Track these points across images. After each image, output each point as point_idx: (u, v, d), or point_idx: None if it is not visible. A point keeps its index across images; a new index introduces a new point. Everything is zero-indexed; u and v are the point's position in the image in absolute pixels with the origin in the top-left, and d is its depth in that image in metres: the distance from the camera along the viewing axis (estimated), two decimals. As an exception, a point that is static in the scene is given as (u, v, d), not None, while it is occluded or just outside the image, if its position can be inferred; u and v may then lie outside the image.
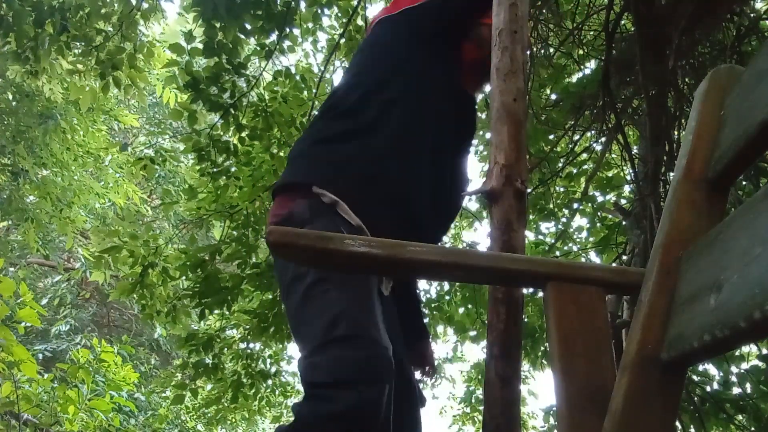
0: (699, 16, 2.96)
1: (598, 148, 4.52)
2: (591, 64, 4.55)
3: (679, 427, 3.16)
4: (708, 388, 3.59)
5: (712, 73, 0.89)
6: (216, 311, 4.44)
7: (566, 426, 0.81)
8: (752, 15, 3.42)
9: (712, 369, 3.70)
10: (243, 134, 4.19)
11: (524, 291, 1.23)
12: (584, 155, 4.65)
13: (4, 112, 8.10)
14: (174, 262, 4.36)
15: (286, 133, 4.24)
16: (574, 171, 4.62)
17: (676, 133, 3.35)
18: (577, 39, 4.00)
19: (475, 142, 5.88)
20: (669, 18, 3.06)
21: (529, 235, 4.75)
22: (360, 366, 1.07)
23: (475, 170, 6.29)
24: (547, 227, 4.94)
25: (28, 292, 3.74)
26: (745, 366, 3.59)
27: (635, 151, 4.00)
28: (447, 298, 5.16)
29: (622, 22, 3.65)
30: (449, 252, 0.97)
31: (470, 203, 5.77)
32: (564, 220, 4.73)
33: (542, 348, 4.69)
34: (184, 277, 4.48)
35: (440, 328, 5.84)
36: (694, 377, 3.62)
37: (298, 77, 4.35)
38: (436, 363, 1.61)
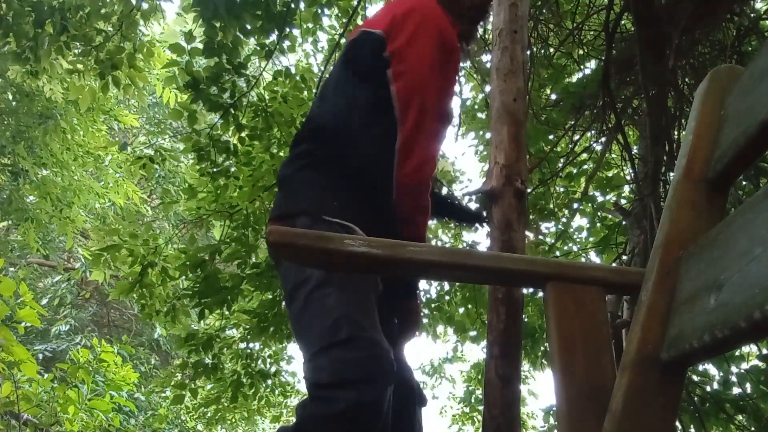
0: (699, 16, 2.97)
1: (598, 148, 4.52)
2: (591, 64, 4.55)
3: (679, 427, 3.16)
4: (708, 388, 3.59)
5: (712, 73, 0.89)
6: (216, 311, 4.44)
7: (566, 426, 0.81)
8: (752, 15, 3.42)
9: (712, 369, 3.70)
10: (243, 134, 4.19)
11: (524, 291, 1.23)
12: (584, 155, 4.65)
13: (4, 112, 8.10)
14: (174, 262, 4.36)
15: (286, 133, 4.24)
16: (574, 171, 4.62)
17: (676, 133, 3.35)
18: (577, 39, 4.00)
19: (475, 141, 5.90)
20: (669, 18, 3.06)
21: (529, 235, 4.75)
22: (361, 366, 1.08)
23: (475, 170, 6.30)
24: (547, 227, 4.94)
25: (28, 292, 3.73)
26: (745, 366, 3.59)
27: (635, 151, 4.00)
28: (447, 298, 5.17)
29: (622, 22, 3.65)
30: (449, 252, 0.97)
31: (470, 203, 5.77)
32: (564, 220, 4.73)
33: (542, 348, 4.69)
34: (183, 277, 4.47)
35: (440, 328, 5.84)
36: (694, 377, 3.62)
37: (298, 77, 4.35)
38: (422, 321, 1.62)
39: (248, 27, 3.94)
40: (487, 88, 4.90)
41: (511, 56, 1.32)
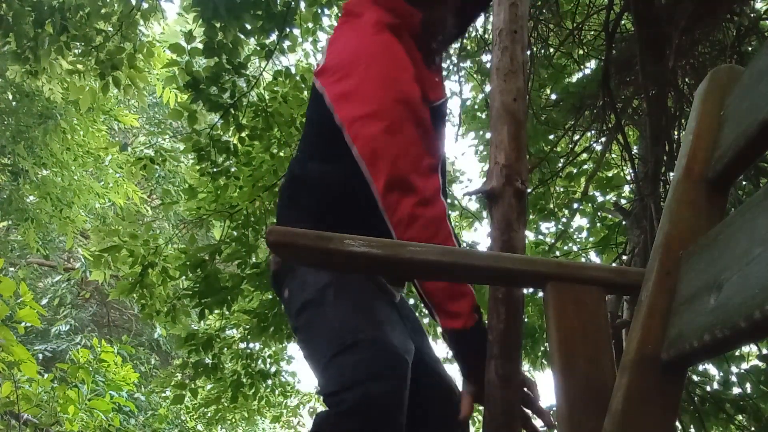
0: (699, 16, 2.97)
1: (598, 148, 4.52)
2: (591, 64, 4.56)
3: (679, 427, 3.16)
4: (708, 388, 3.59)
5: (712, 73, 0.89)
6: (216, 311, 4.44)
7: (566, 426, 0.81)
8: (752, 15, 3.41)
9: (712, 369, 3.70)
10: (243, 134, 4.19)
11: (524, 291, 1.23)
12: (584, 155, 4.65)
13: (4, 112, 8.10)
14: (174, 262, 4.36)
15: (286, 133, 4.24)
16: (574, 171, 4.62)
17: (676, 133, 3.35)
18: (577, 39, 4.00)
19: (475, 141, 5.91)
20: (669, 18, 3.06)
21: (529, 235, 4.75)
22: (364, 366, 1.08)
23: (475, 170, 6.31)
24: (547, 227, 4.94)
25: (28, 292, 3.74)
26: (745, 366, 3.60)
27: (635, 151, 4.00)
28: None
29: (622, 22, 3.65)
30: (449, 252, 0.97)
31: (470, 203, 5.77)
32: (564, 220, 4.73)
33: (542, 348, 4.68)
34: (183, 277, 4.48)
35: (440, 328, 5.82)
36: (694, 377, 3.62)
37: (298, 77, 4.35)
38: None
39: (248, 27, 3.94)
40: (487, 88, 4.91)
41: (511, 56, 1.32)
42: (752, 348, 3.71)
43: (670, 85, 3.22)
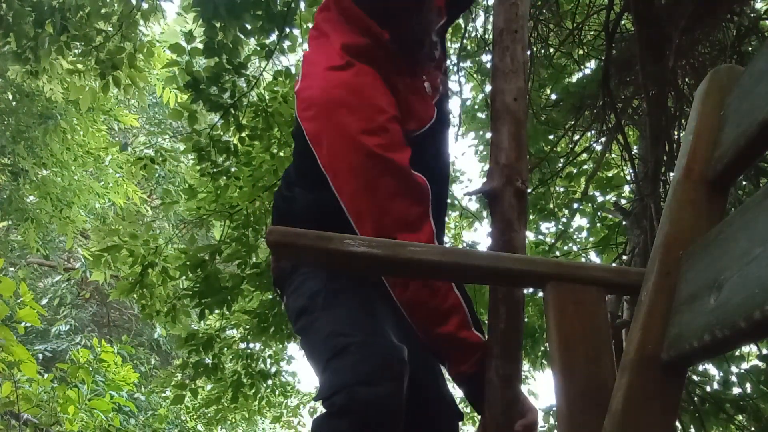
0: (699, 16, 2.97)
1: (598, 148, 4.52)
2: (591, 64, 4.56)
3: (679, 427, 3.16)
4: (708, 388, 3.60)
5: (712, 73, 0.89)
6: (216, 311, 4.44)
7: (566, 426, 0.81)
8: (752, 15, 3.41)
9: (712, 369, 3.71)
10: (243, 134, 4.18)
11: (524, 291, 1.23)
12: (584, 155, 4.65)
13: (4, 112, 8.09)
14: (174, 262, 4.36)
15: (286, 133, 4.23)
16: (574, 171, 4.62)
17: (676, 133, 3.35)
18: (577, 39, 4.00)
19: (475, 141, 5.91)
20: (669, 18, 3.06)
21: (529, 235, 4.75)
22: (352, 370, 1.08)
23: (475, 170, 6.31)
24: (547, 227, 4.95)
25: (28, 292, 3.73)
26: (745, 366, 3.60)
27: (635, 151, 4.00)
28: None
29: (622, 22, 3.65)
30: (449, 252, 0.97)
31: (470, 203, 5.77)
32: (564, 220, 4.74)
33: (542, 348, 4.69)
34: (183, 277, 4.48)
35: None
36: (694, 377, 3.62)
37: (298, 77, 4.34)
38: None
39: (248, 27, 3.93)
40: (487, 88, 4.91)
41: (511, 56, 1.32)
42: (752, 348, 3.71)
43: (670, 85, 3.22)
